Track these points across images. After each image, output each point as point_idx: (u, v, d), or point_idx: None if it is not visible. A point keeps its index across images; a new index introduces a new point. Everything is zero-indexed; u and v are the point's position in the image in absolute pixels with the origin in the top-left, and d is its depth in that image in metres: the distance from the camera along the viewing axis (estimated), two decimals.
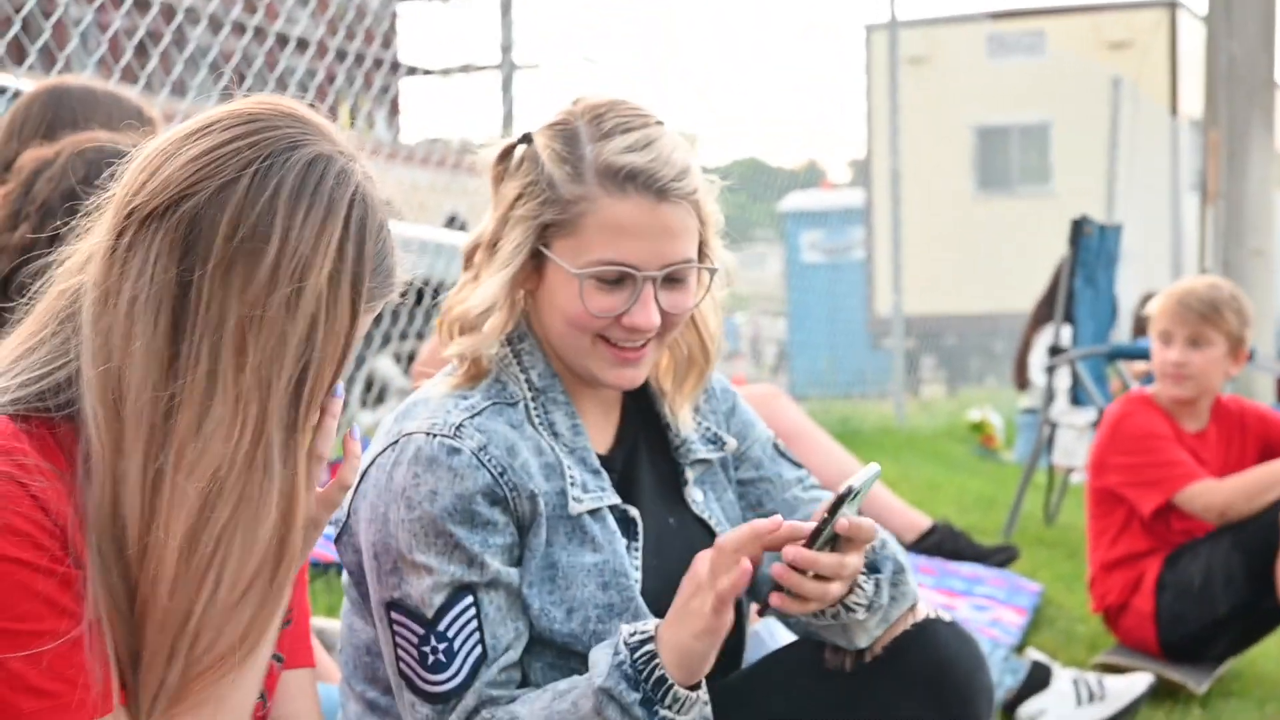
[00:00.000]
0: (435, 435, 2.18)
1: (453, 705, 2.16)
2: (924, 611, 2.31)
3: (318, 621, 3.33)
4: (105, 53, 6.42)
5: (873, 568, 2.23)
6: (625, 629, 2.15)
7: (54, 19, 5.76)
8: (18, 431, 1.63)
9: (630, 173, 2.20)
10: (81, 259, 1.73)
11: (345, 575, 2.39)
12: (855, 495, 2.02)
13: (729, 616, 2.09)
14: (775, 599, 2.15)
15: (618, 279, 2.21)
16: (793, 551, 2.03)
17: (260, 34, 8.49)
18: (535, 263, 2.28)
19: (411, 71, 17.04)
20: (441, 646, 2.15)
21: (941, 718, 2.25)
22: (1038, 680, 4.28)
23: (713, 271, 2.36)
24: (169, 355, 1.63)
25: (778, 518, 2.06)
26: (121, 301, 1.64)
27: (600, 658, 2.13)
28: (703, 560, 2.10)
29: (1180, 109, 17.78)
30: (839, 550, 2.09)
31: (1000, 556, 5.12)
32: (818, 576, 2.06)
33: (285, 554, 1.72)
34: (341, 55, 8.70)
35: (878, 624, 2.25)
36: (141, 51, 6.55)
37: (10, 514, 1.58)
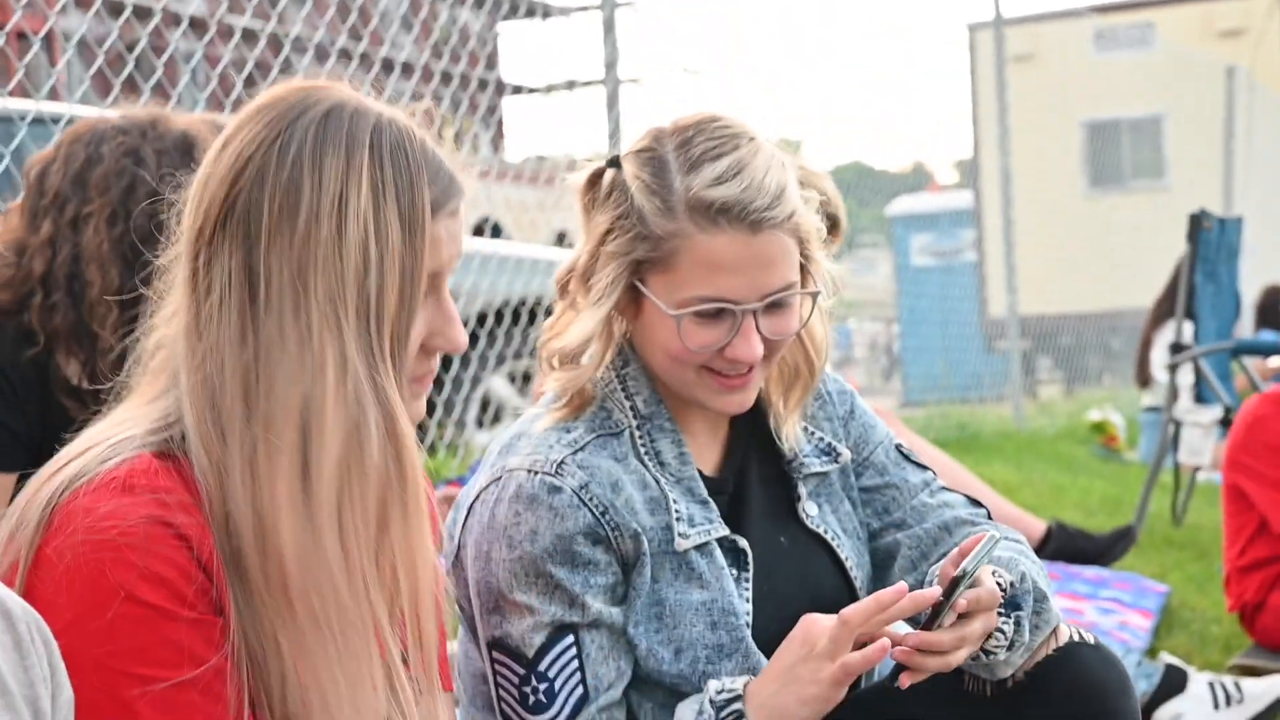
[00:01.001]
0: (537, 473, 2.18)
1: None
2: (1066, 634, 2.27)
3: None
4: (215, 86, 6.53)
5: (1013, 604, 2.17)
6: (713, 685, 2.14)
7: (165, 55, 5.86)
8: (160, 468, 1.67)
9: (722, 206, 2.17)
10: (171, 308, 1.80)
11: (458, 606, 2.38)
12: (969, 575, 1.99)
13: (845, 691, 2.07)
14: (904, 678, 2.10)
15: (716, 314, 2.19)
16: (915, 639, 2.03)
17: (366, 60, 8.61)
18: (632, 295, 2.26)
19: (516, 90, 17.25)
20: (542, 687, 2.15)
21: None
22: (1173, 684, 4.24)
23: (815, 295, 2.32)
24: (245, 333, 1.70)
25: (902, 586, 2.04)
26: (208, 309, 1.72)
27: (685, 715, 2.14)
28: (818, 626, 2.07)
29: None
30: (960, 621, 2.07)
31: (1120, 544, 5.05)
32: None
33: (407, 475, 1.74)
34: (446, 78, 8.80)
35: (1020, 656, 2.21)
36: (251, 83, 6.64)
37: (154, 558, 1.62)
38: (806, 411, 2.47)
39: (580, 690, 2.15)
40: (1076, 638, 2.25)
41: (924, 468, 2.57)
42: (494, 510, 2.19)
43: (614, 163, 2.29)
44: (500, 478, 2.21)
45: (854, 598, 2.33)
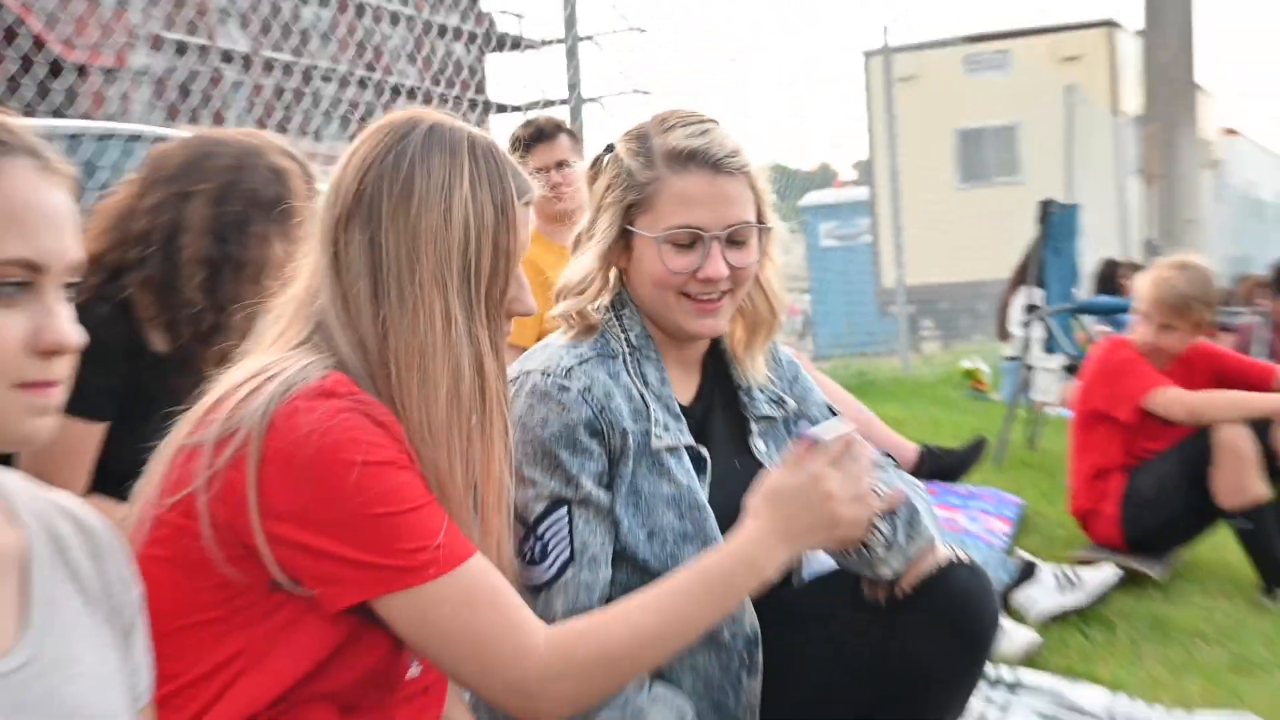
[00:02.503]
0: (550, 375, 2.14)
1: (544, 597, 2.10)
2: (946, 555, 2.20)
3: None
4: (261, 112, 6.58)
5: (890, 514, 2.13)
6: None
7: (220, 86, 5.92)
8: (348, 381, 1.72)
9: (690, 152, 2.18)
10: (306, 282, 1.84)
11: None
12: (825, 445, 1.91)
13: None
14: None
15: (689, 241, 2.16)
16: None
17: (378, 86, 8.62)
18: (624, 242, 2.23)
19: (500, 109, 17.11)
20: (537, 547, 2.11)
21: (960, 644, 2.18)
22: (1026, 574, 4.28)
23: (766, 230, 2.28)
24: (376, 293, 1.76)
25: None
26: (349, 278, 1.78)
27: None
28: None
29: (1120, 109, 17.65)
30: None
31: (975, 452, 5.09)
32: None
33: (487, 398, 1.80)
34: (443, 99, 8.82)
35: (899, 560, 2.14)
36: (286, 105, 6.71)
37: (370, 434, 1.66)
38: (768, 362, 2.42)
39: (567, 553, 2.11)
40: (954, 558, 2.19)
41: (850, 427, 2.55)
42: (511, 403, 2.06)
43: (610, 148, 2.30)
44: (518, 378, 2.16)
45: None
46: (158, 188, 2.74)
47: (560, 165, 4.50)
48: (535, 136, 4.58)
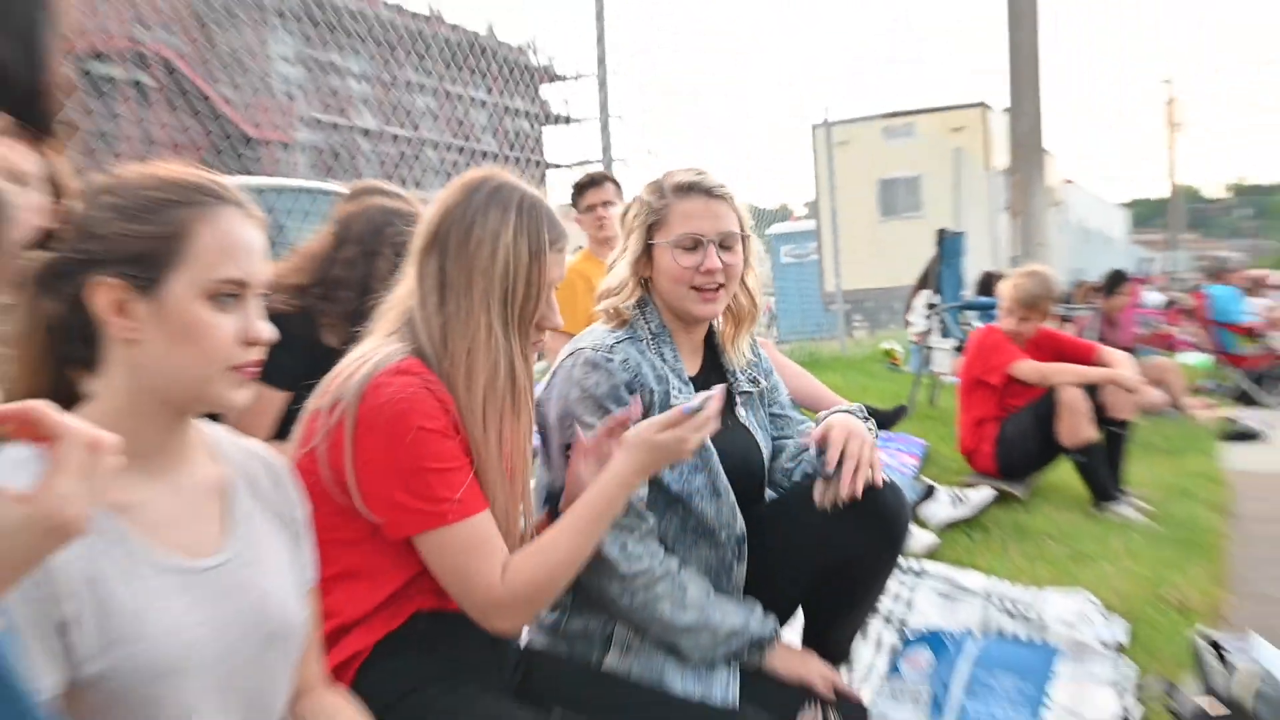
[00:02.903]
0: (598, 350, 2.09)
1: None
2: (878, 480, 2.11)
3: None
4: (385, 171, 6.57)
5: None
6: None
7: (357, 152, 5.92)
8: (418, 364, 1.70)
9: (690, 184, 2.17)
10: (405, 290, 1.82)
11: (536, 436, 2.17)
12: (698, 409, 1.84)
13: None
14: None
15: (693, 245, 2.13)
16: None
17: (466, 150, 8.62)
18: (647, 255, 2.19)
19: (553, 166, 17.22)
20: None
21: (883, 541, 2.16)
22: (928, 494, 4.26)
23: (747, 239, 2.22)
24: (441, 304, 1.74)
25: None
26: (424, 291, 1.76)
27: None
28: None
29: (992, 165, 17.58)
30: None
31: (899, 414, 5.11)
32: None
33: (516, 390, 1.76)
34: (513, 160, 8.85)
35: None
36: (405, 166, 6.74)
37: (430, 408, 1.65)
38: (749, 352, 2.36)
39: None
40: (881, 483, 2.11)
41: (801, 414, 2.50)
42: (571, 370, 2.09)
43: (636, 199, 2.28)
44: (574, 353, 2.12)
45: (762, 464, 2.29)
46: (349, 245, 2.77)
47: (605, 204, 4.49)
48: (590, 183, 4.60)
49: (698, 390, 2.17)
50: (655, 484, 2.08)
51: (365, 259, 2.74)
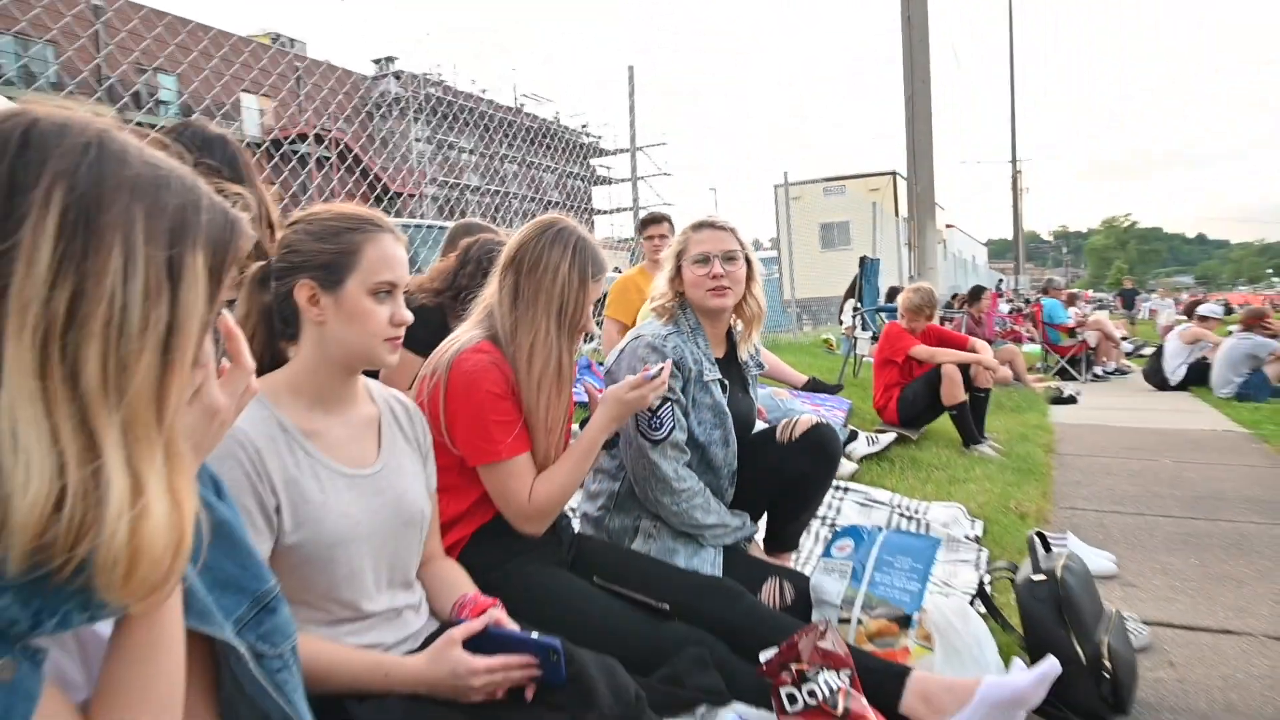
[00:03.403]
0: (655, 337, 2.00)
1: (662, 445, 1.94)
2: (814, 420, 2.12)
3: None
4: (485, 215, 6.51)
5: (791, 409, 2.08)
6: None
7: (465, 202, 5.87)
8: (491, 346, 1.65)
9: (703, 221, 2.11)
10: (490, 293, 1.76)
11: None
12: (655, 375, 1.77)
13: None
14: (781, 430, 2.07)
15: (705, 259, 2.05)
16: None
17: (539, 201, 8.57)
18: (679, 274, 2.10)
19: (599, 212, 17.20)
20: (655, 420, 1.93)
21: (822, 463, 2.11)
22: (852, 437, 4.22)
23: (748, 257, 2.12)
24: (514, 308, 1.68)
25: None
26: (504, 296, 1.70)
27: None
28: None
29: (900, 214, 17.39)
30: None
31: (835, 387, 5.09)
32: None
33: (561, 374, 1.68)
34: (572, 208, 8.81)
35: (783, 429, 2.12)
36: (494, 214, 6.73)
37: (497, 379, 1.61)
38: (754, 347, 2.22)
39: (672, 424, 1.94)
40: (819, 420, 2.12)
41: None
42: (636, 350, 1.99)
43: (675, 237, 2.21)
44: (637, 337, 2.03)
45: (754, 422, 2.18)
46: (470, 264, 2.67)
47: (662, 236, 4.35)
48: (652, 220, 4.45)
49: (721, 370, 2.12)
50: (690, 436, 2.02)
51: (478, 274, 2.66)
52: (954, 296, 10.39)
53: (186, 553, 0.68)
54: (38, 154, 0.64)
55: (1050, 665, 1.49)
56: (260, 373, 1.28)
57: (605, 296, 4.34)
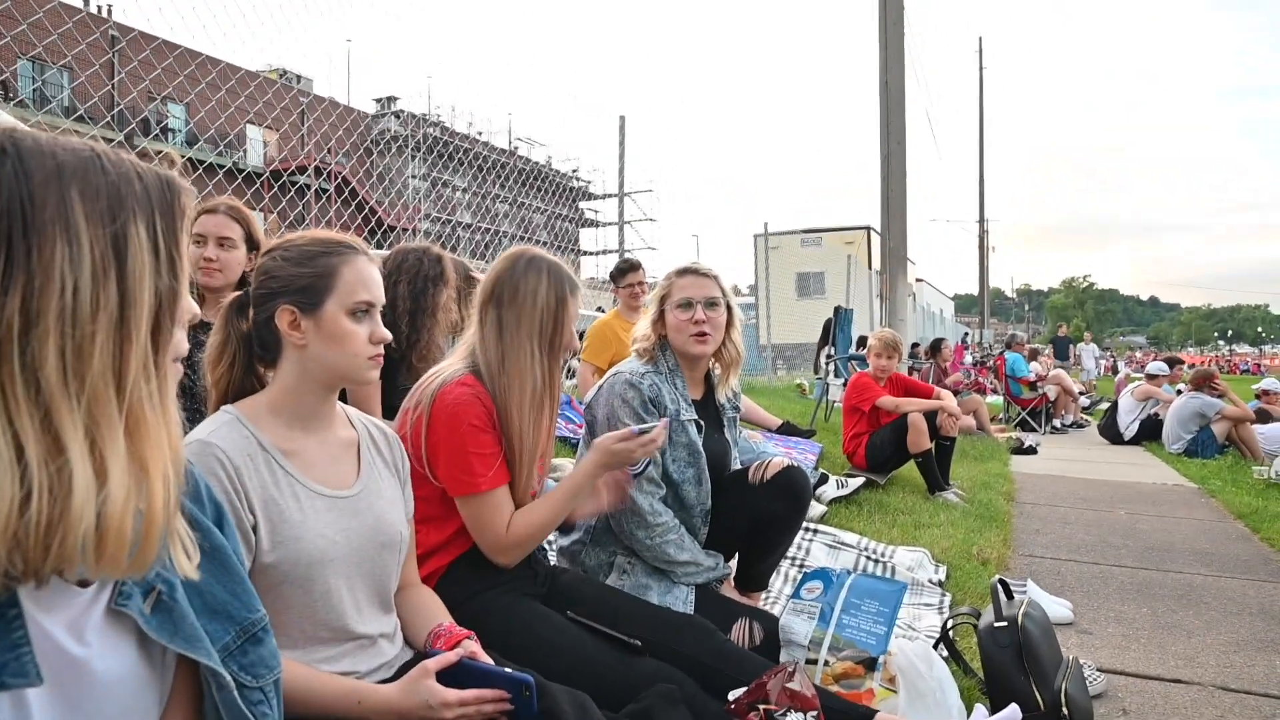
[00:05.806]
0: (633, 374, 1.99)
1: (639, 480, 1.93)
2: (786, 463, 2.10)
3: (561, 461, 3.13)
4: (475, 253, 6.52)
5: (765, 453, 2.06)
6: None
7: (456, 237, 5.87)
8: (474, 379, 1.63)
9: (686, 268, 2.11)
10: (472, 332, 1.72)
11: (584, 431, 2.07)
12: (646, 431, 1.71)
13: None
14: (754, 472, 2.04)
15: (688, 304, 2.05)
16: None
17: (526, 239, 8.61)
18: (661, 318, 2.11)
19: (585, 253, 17.27)
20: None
21: (793, 506, 2.09)
22: (822, 480, 4.18)
23: (728, 304, 2.12)
24: (499, 339, 1.65)
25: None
26: (486, 331, 1.67)
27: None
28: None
29: (873, 267, 17.66)
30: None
31: (808, 432, 5.10)
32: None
33: (547, 396, 1.65)
34: (561, 249, 8.86)
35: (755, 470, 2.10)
36: (487, 249, 6.74)
37: (478, 411, 1.58)
38: (732, 391, 2.21)
39: (649, 459, 1.88)
40: (790, 463, 2.09)
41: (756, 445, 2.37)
42: (614, 386, 1.98)
43: (659, 281, 2.21)
44: (616, 374, 2.02)
45: (729, 463, 2.16)
46: (395, 274, 2.44)
47: (640, 284, 4.34)
48: (627, 268, 4.41)
49: (698, 411, 2.11)
50: (665, 473, 2.01)
51: (417, 279, 2.46)
52: (914, 345, 10.54)
53: (161, 513, 0.67)
54: None
55: (1012, 712, 1.48)
56: (240, 398, 1.27)
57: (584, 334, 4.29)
